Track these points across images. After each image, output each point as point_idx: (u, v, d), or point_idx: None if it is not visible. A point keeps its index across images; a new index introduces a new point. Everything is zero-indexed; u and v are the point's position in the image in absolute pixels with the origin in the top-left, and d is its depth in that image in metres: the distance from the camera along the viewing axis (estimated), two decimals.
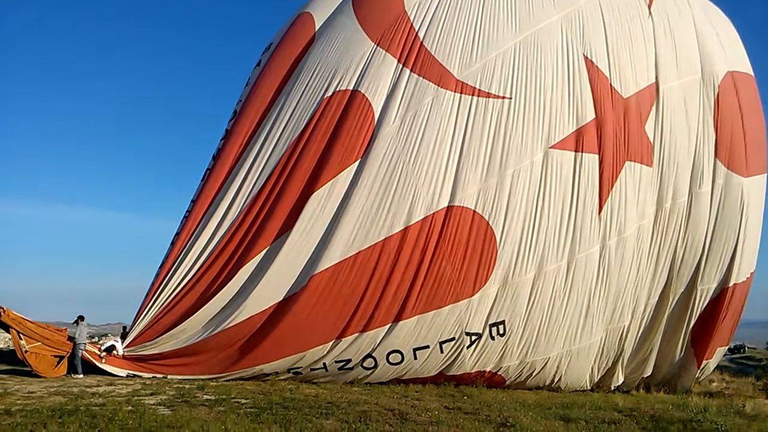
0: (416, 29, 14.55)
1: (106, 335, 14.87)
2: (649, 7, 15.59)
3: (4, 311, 13.24)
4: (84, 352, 13.89)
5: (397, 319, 13.71)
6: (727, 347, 18.20)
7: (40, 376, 13.54)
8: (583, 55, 14.73)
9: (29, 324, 13.63)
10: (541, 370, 14.84)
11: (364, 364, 14.02)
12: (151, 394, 11.75)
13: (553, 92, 14.43)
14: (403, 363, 14.08)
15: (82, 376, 13.88)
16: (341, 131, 14.00)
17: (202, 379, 13.80)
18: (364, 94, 14.15)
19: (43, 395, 11.23)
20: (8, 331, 13.76)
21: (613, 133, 14.63)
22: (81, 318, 14.63)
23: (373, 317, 13.64)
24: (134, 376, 13.84)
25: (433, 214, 13.76)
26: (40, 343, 13.60)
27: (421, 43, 14.44)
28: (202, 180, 15.18)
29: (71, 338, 14.12)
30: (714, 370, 18.17)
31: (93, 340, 15.44)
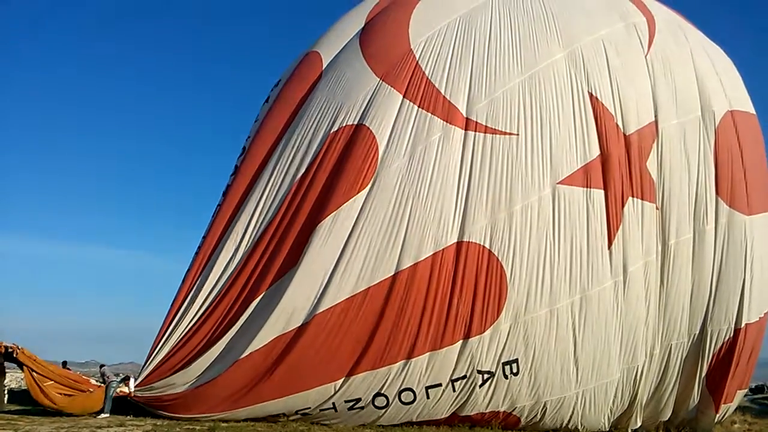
0: (422, 67, 14.79)
1: (119, 375, 14.89)
2: (649, 46, 15.82)
3: (20, 350, 13.33)
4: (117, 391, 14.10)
5: (409, 356, 13.51)
6: (746, 389, 17.67)
7: (53, 415, 13.50)
8: (588, 92, 14.92)
9: (42, 362, 13.68)
10: (556, 410, 14.41)
11: (376, 403, 13.72)
12: None
13: (559, 129, 14.56)
14: (416, 402, 13.77)
15: (108, 415, 13.90)
16: (345, 164, 14.13)
17: (212, 420, 13.62)
18: (368, 128, 14.32)
19: None
20: (22, 369, 13.83)
21: (617, 168, 14.67)
22: (102, 366, 14.85)
23: (385, 354, 13.43)
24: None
25: (443, 249, 13.70)
26: (53, 382, 13.61)
27: (428, 79, 14.66)
28: (212, 217, 15.31)
29: (103, 375, 14.31)
30: (735, 411, 17.62)
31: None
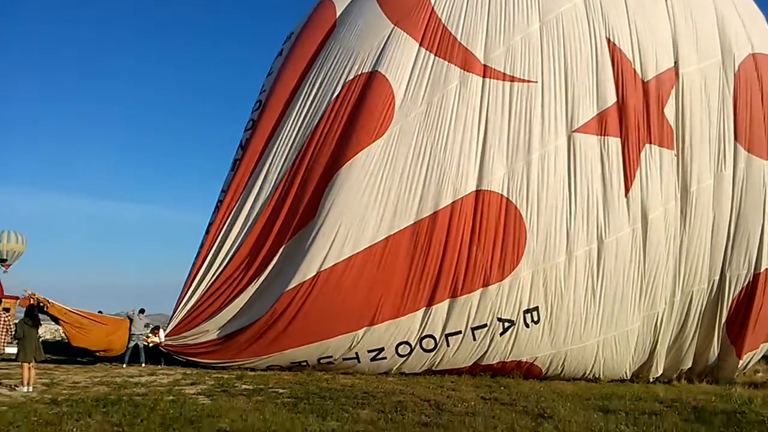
0: (438, 14, 14.63)
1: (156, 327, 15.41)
2: None
3: (50, 303, 13.74)
4: (142, 341, 14.79)
5: (430, 303, 13.70)
6: None
7: (87, 364, 14.02)
8: (606, 38, 14.65)
9: (72, 315, 14.13)
10: (577, 359, 14.57)
11: (399, 351, 13.96)
12: (191, 384, 11.98)
13: (576, 75, 14.39)
14: (437, 350, 13.99)
15: (143, 364, 14.65)
16: (362, 112, 14.13)
17: (240, 367, 14.04)
18: (383, 74, 14.26)
19: (87, 385, 11.57)
20: (57, 323, 14.33)
21: (633, 115, 14.49)
22: (142, 311, 15.30)
23: (407, 302, 13.64)
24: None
25: (462, 198, 13.78)
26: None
27: (445, 27, 14.50)
28: (231, 170, 15.52)
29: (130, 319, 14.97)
30: (759, 360, 17.58)
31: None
